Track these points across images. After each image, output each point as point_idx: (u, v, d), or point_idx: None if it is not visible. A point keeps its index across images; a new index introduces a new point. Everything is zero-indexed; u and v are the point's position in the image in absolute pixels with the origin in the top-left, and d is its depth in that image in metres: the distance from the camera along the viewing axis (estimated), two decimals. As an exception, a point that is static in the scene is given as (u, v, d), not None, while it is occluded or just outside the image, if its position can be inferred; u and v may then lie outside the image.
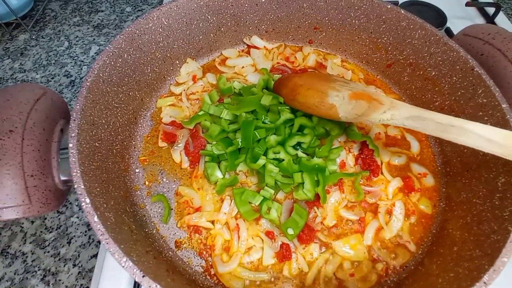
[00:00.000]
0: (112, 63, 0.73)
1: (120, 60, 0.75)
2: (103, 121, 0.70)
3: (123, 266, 0.46)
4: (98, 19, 1.64)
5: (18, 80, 1.40)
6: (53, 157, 0.60)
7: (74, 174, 0.54)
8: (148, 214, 0.72)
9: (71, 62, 1.47)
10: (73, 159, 0.55)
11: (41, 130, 0.60)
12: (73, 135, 0.58)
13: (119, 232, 0.54)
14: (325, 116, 0.69)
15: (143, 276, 0.45)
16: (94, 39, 1.55)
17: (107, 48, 0.72)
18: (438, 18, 1.25)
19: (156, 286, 0.45)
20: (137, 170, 0.78)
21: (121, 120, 0.77)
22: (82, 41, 1.55)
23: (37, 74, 1.43)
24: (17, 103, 0.59)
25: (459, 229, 0.65)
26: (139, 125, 0.84)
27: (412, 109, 0.62)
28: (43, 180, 0.57)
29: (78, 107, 0.61)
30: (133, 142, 0.82)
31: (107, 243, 0.48)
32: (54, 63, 1.47)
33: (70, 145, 0.57)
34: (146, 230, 0.69)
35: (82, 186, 0.53)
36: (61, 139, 0.65)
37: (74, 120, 0.59)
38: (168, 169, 0.78)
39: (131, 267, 0.46)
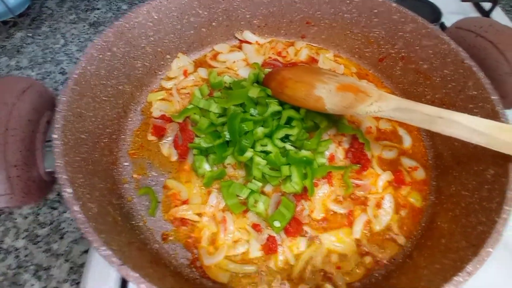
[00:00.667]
0: (101, 56, 0.73)
1: (109, 53, 0.75)
2: (91, 114, 0.70)
3: (101, 255, 0.46)
4: (94, 16, 1.65)
5: (14, 78, 1.40)
6: (37, 148, 0.60)
7: (58, 164, 0.54)
8: (136, 207, 0.72)
9: (66, 60, 1.48)
10: (57, 149, 0.55)
11: (26, 121, 0.60)
12: (57, 126, 0.58)
13: (101, 222, 0.54)
14: (312, 108, 0.68)
15: (121, 265, 0.45)
16: (90, 36, 1.55)
17: (95, 41, 0.71)
18: (433, 13, 1.24)
19: (133, 274, 0.44)
20: (125, 164, 0.78)
21: (110, 114, 0.77)
22: (78, 39, 1.55)
23: (33, 71, 1.44)
24: (2, 94, 0.59)
25: (447, 222, 0.64)
26: (129, 119, 0.84)
27: (400, 101, 0.61)
28: (26, 171, 0.57)
29: (64, 99, 0.61)
30: (122, 136, 0.81)
31: (87, 232, 0.47)
32: (50, 61, 1.48)
33: (55, 136, 0.57)
34: (133, 222, 0.69)
35: (65, 176, 0.53)
36: (47, 130, 0.65)
37: (60, 111, 0.59)
38: (157, 162, 0.78)
39: (109, 256, 0.46)
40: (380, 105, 0.61)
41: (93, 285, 0.71)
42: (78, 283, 0.95)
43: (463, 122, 0.55)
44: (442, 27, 1.23)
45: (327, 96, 0.65)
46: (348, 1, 0.90)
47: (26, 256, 1.00)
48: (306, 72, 0.74)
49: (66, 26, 1.57)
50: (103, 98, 0.75)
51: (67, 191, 0.51)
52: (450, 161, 0.75)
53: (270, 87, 0.75)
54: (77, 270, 0.97)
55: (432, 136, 0.83)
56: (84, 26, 1.57)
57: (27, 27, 1.55)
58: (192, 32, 0.94)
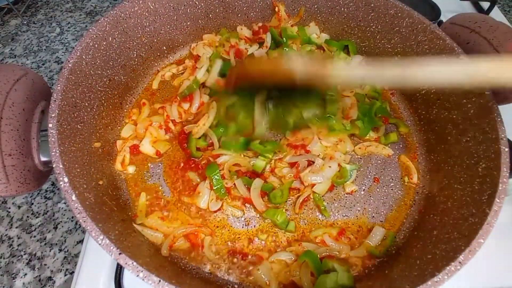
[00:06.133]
0: (96, 45, 0.72)
1: (104, 43, 0.74)
2: (86, 104, 0.69)
3: (99, 244, 0.46)
4: (91, 5, 1.62)
5: (6, 67, 1.37)
6: (33, 137, 0.60)
7: (53, 154, 0.54)
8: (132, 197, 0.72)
9: (62, 49, 1.46)
10: (52, 139, 0.55)
11: (20, 110, 0.59)
12: (53, 115, 0.57)
13: (98, 212, 0.54)
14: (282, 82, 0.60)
15: (120, 254, 0.45)
16: (86, 25, 1.53)
17: (90, 30, 0.70)
18: (432, 12, 1.24)
19: (132, 263, 0.45)
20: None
21: (105, 104, 0.76)
22: (74, 28, 1.53)
23: (28, 59, 1.41)
24: (-4, 82, 0.58)
25: (439, 214, 0.66)
26: (125, 110, 0.84)
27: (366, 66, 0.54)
28: (22, 160, 0.56)
29: (59, 88, 0.61)
30: (119, 127, 0.81)
31: (84, 221, 0.48)
32: (45, 49, 1.45)
33: (50, 125, 0.56)
34: (129, 213, 0.69)
35: (61, 166, 0.53)
36: (42, 120, 0.64)
37: (55, 100, 0.59)
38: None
39: (108, 245, 0.46)
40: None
41: (87, 275, 0.71)
42: (72, 273, 0.95)
43: (434, 65, 0.48)
44: (440, 25, 1.23)
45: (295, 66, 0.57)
46: (345, -5, 0.90)
47: (19, 245, 0.99)
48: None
49: (62, 15, 1.54)
50: (99, 88, 0.74)
51: (64, 180, 0.51)
52: (443, 155, 0.76)
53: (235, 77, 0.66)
54: (72, 260, 0.97)
55: (425, 130, 0.84)
56: (81, 15, 1.54)
57: (22, 14, 1.52)
58: (188, 23, 0.93)
